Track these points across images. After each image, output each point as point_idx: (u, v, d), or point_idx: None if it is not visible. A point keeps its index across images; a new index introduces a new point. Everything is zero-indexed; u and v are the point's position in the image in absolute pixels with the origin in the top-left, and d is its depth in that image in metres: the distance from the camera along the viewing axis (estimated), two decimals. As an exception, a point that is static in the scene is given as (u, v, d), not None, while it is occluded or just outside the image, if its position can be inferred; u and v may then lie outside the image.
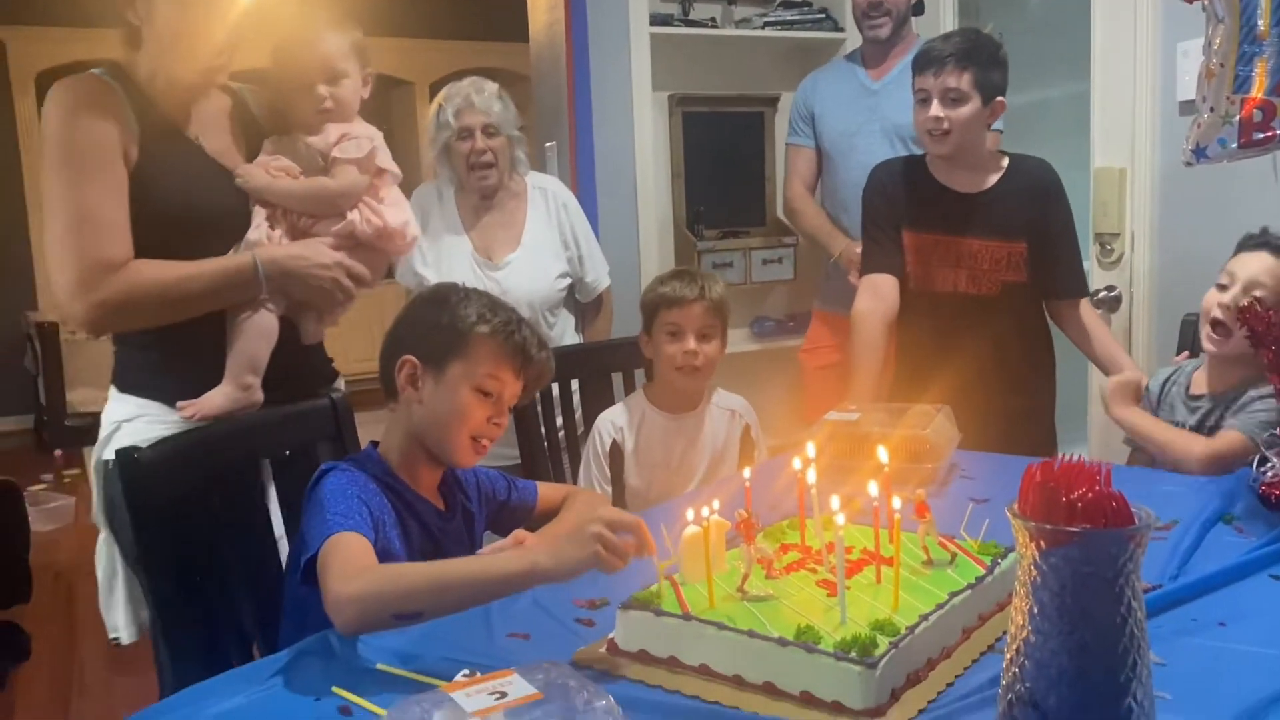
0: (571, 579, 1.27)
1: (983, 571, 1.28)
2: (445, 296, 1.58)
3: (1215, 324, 1.88)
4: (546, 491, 1.75)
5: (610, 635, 1.22)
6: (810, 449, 1.45)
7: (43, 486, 4.89)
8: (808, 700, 1.06)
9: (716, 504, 1.28)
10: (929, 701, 1.07)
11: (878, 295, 2.34)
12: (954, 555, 1.32)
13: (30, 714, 2.86)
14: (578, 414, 2.40)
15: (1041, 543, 0.84)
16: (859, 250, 2.71)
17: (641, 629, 1.19)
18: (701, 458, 2.15)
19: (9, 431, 6.41)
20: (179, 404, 1.68)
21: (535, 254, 2.53)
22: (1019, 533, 0.86)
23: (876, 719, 1.03)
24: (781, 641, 1.09)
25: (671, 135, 3.70)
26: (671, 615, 1.17)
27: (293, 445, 1.69)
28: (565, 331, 2.62)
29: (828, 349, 3.07)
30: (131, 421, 1.69)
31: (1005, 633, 1.18)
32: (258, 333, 1.71)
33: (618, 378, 2.43)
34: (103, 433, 1.72)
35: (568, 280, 2.59)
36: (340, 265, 1.76)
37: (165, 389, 1.70)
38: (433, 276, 2.43)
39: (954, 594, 1.21)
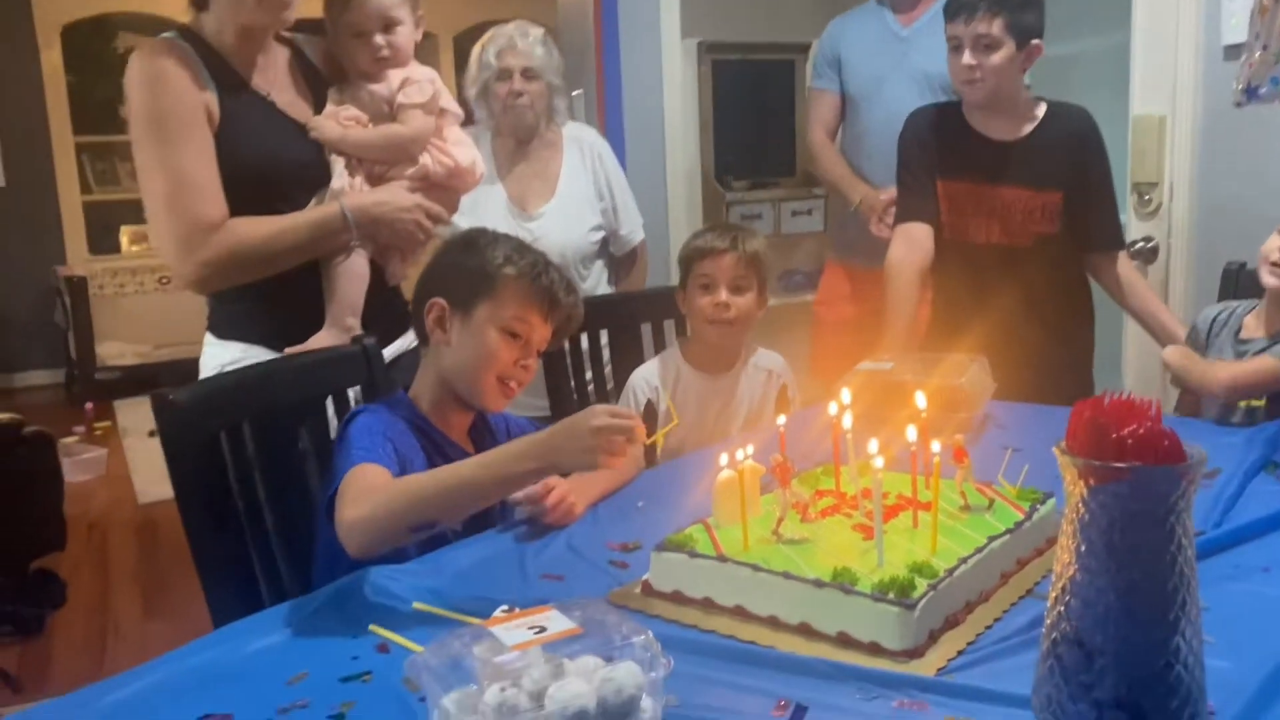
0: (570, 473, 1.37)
1: (1021, 517, 1.27)
2: (474, 240, 1.59)
3: (1275, 264, 1.84)
4: None
5: (644, 577, 1.22)
6: (845, 395, 1.44)
7: (74, 438, 4.94)
8: (845, 641, 1.06)
9: (751, 448, 1.27)
10: (968, 644, 1.06)
11: (912, 243, 2.30)
12: (991, 501, 1.31)
13: (68, 657, 2.92)
14: (607, 368, 2.39)
15: (1091, 480, 0.82)
16: (881, 198, 2.66)
17: (676, 570, 1.18)
18: (737, 418, 2.11)
19: (40, 385, 6.47)
20: (287, 350, 1.73)
21: (569, 204, 2.51)
22: (1066, 470, 0.84)
23: (914, 660, 1.02)
24: (818, 583, 1.08)
25: (700, 84, 3.64)
26: (706, 557, 1.17)
27: (325, 390, 1.69)
28: (599, 284, 2.59)
29: (844, 301, 2.96)
30: (236, 364, 1.73)
31: (1045, 576, 1.18)
32: (352, 275, 1.78)
33: (646, 329, 2.41)
34: (204, 376, 1.77)
35: (602, 233, 2.57)
36: (419, 207, 1.82)
37: (266, 333, 1.77)
38: (466, 225, 2.41)
39: (993, 538, 1.20)
